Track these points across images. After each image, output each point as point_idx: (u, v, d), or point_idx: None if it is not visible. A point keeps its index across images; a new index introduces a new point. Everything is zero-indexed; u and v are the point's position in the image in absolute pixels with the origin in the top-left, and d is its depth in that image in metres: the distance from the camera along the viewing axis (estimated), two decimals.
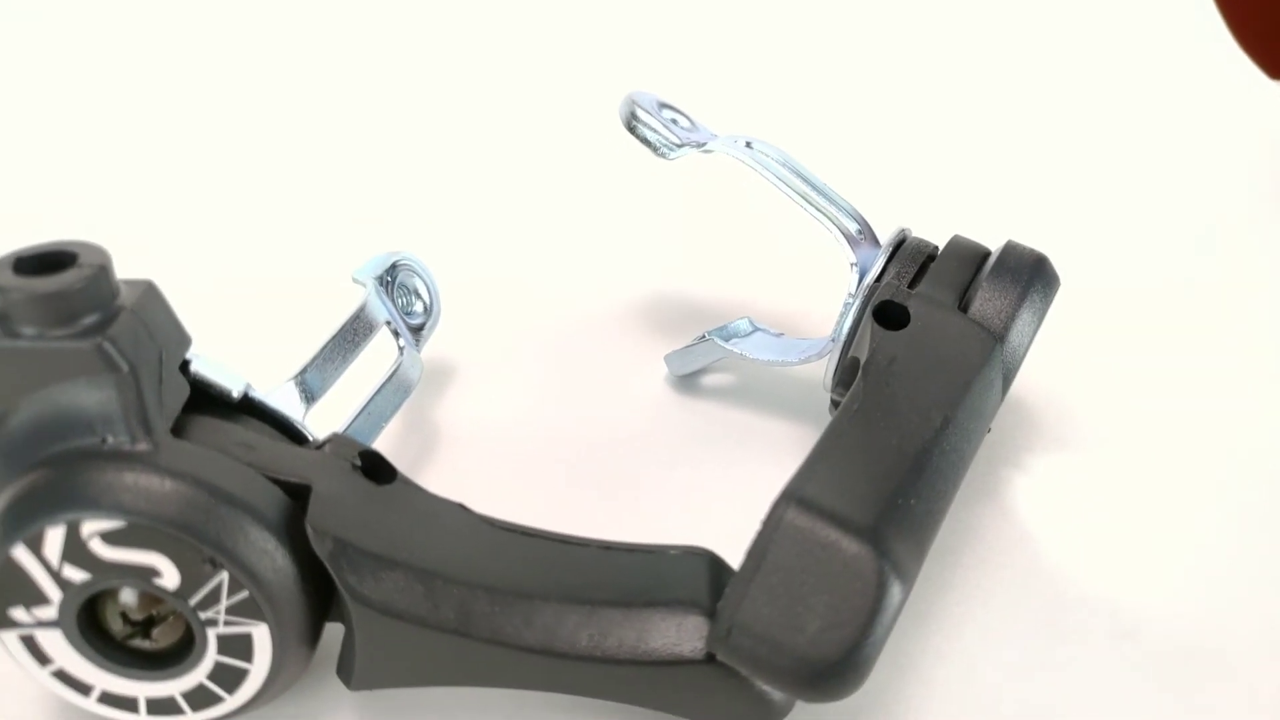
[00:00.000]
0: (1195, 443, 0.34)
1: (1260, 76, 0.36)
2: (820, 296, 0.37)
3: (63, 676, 0.24)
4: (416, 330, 0.34)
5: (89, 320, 0.22)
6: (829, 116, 0.50)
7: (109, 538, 0.22)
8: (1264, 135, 0.48)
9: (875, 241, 0.33)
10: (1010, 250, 0.31)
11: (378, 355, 0.32)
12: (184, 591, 0.23)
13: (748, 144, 0.34)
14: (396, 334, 0.32)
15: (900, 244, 0.32)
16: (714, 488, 0.33)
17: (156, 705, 0.25)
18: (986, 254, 0.32)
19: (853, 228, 0.33)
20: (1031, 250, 0.31)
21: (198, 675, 0.24)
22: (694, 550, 0.26)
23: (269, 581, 0.23)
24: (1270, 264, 0.41)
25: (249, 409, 0.26)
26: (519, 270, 0.41)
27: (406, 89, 0.52)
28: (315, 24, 0.56)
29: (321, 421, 0.28)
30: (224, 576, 0.23)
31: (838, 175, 0.35)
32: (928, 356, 0.28)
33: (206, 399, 0.25)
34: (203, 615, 0.23)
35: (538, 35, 0.56)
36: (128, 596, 0.24)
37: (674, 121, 0.34)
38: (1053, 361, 0.34)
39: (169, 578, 0.23)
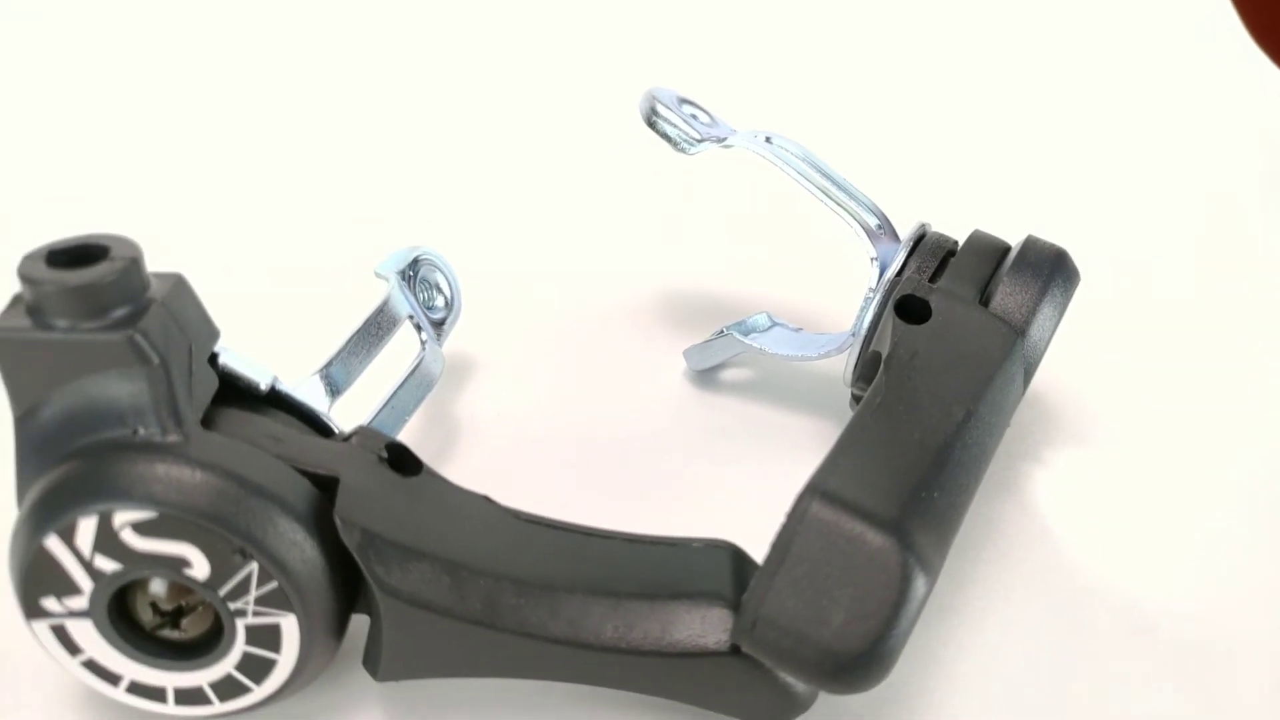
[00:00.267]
0: (1213, 439, 0.34)
1: None
2: (837, 293, 0.37)
3: (92, 666, 0.24)
4: (438, 325, 0.34)
5: (120, 313, 0.23)
6: (845, 113, 0.50)
7: (140, 528, 0.23)
8: None
9: (895, 236, 0.33)
10: (1031, 245, 0.31)
11: (399, 350, 0.32)
12: (214, 582, 0.23)
13: (767, 139, 0.34)
14: (419, 328, 0.32)
15: (920, 239, 0.32)
16: (733, 482, 0.33)
17: (184, 695, 0.25)
18: (1006, 249, 0.32)
19: (873, 222, 0.33)
20: (1052, 245, 0.31)
21: (226, 665, 0.24)
22: (717, 543, 0.26)
23: (298, 572, 0.23)
24: None
25: (276, 401, 0.26)
26: (539, 265, 0.41)
27: (429, 86, 0.52)
28: (343, 24, 0.56)
29: (345, 415, 0.29)
30: (253, 567, 0.23)
31: (855, 171, 0.35)
32: (949, 351, 0.28)
33: (234, 391, 0.26)
34: (232, 606, 0.23)
35: (558, 32, 0.56)
36: (157, 587, 0.24)
37: (694, 117, 0.35)
38: (1071, 357, 0.34)
39: (199, 568, 0.23)
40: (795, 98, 0.51)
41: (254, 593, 0.23)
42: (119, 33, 0.55)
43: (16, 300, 0.23)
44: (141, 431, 0.23)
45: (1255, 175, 0.46)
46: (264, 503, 0.23)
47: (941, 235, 0.33)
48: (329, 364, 0.29)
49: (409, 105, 0.51)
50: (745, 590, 0.24)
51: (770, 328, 0.35)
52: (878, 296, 0.31)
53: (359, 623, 0.26)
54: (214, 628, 0.24)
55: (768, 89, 0.51)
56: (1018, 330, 0.29)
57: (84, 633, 0.24)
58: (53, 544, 0.23)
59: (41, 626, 0.24)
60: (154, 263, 0.24)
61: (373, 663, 0.25)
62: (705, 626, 0.24)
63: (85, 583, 0.23)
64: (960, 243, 0.33)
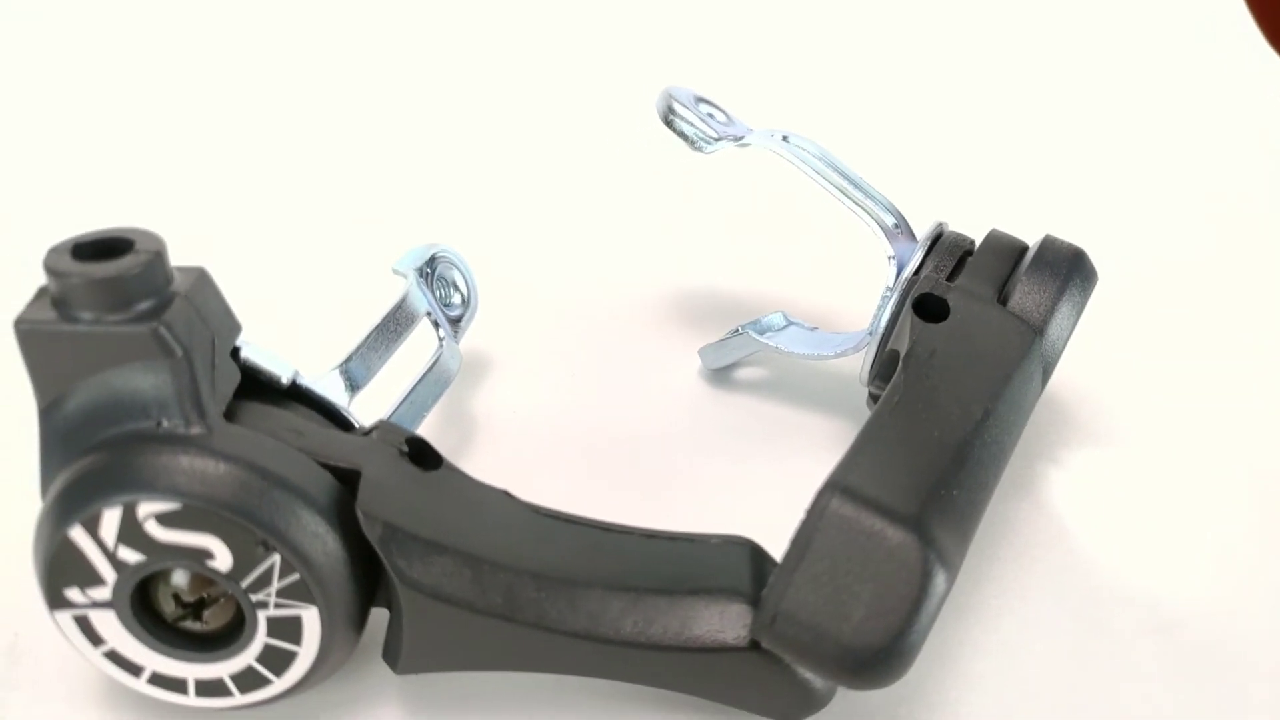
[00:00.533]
0: (1229, 439, 0.34)
1: None
2: (851, 293, 0.37)
3: (115, 657, 0.25)
4: (454, 322, 0.35)
5: (144, 305, 0.23)
6: (859, 114, 0.50)
7: (164, 519, 0.23)
8: None
9: (912, 236, 0.33)
10: (1049, 244, 0.31)
11: (414, 347, 0.32)
12: (236, 574, 0.23)
13: (784, 138, 0.34)
14: (436, 325, 0.33)
15: (938, 238, 0.32)
16: (748, 480, 0.33)
17: (205, 687, 0.25)
18: (1024, 248, 0.32)
19: (890, 221, 0.33)
20: (1070, 245, 0.31)
21: (247, 657, 0.24)
22: (735, 539, 0.26)
23: (320, 565, 0.23)
24: None
25: (297, 396, 0.26)
26: (554, 264, 0.41)
27: (448, 88, 0.52)
28: (368, 27, 0.56)
29: (363, 411, 0.29)
30: (276, 559, 0.23)
31: (868, 171, 0.35)
32: (968, 349, 0.28)
33: (256, 385, 0.26)
34: (254, 598, 0.23)
35: (575, 31, 0.56)
36: (180, 578, 0.24)
37: (710, 116, 0.35)
38: (1086, 357, 0.34)
39: (222, 560, 0.23)
40: (808, 98, 0.51)
41: (276, 585, 0.23)
42: (148, 32, 0.55)
43: (42, 293, 0.23)
44: (165, 423, 0.23)
45: (1272, 175, 0.46)
46: (287, 495, 0.23)
47: (959, 234, 0.33)
48: (348, 360, 0.30)
49: (427, 106, 0.51)
50: (764, 586, 0.24)
51: (785, 327, 0.35)
52: (895, 295, 0.31)
53: (377, 617, 0.26)
54: (235, 620, 0.24)
55: (781, 90, 0.51)
56: (1036, 329, 0.29)
57: (107, 623, 0.24)
58: (77, 535, 0.23)
59: (65, 617, 0.24)
60: (174, 258, 0.24)
61: (392, 656, 0.25)
62: (724, 622, 0.24)
63: (109, 573, 0.23)
64: (977, 242, 0.33)
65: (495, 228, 0.43)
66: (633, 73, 0.51)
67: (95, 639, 0.24)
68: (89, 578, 0.23)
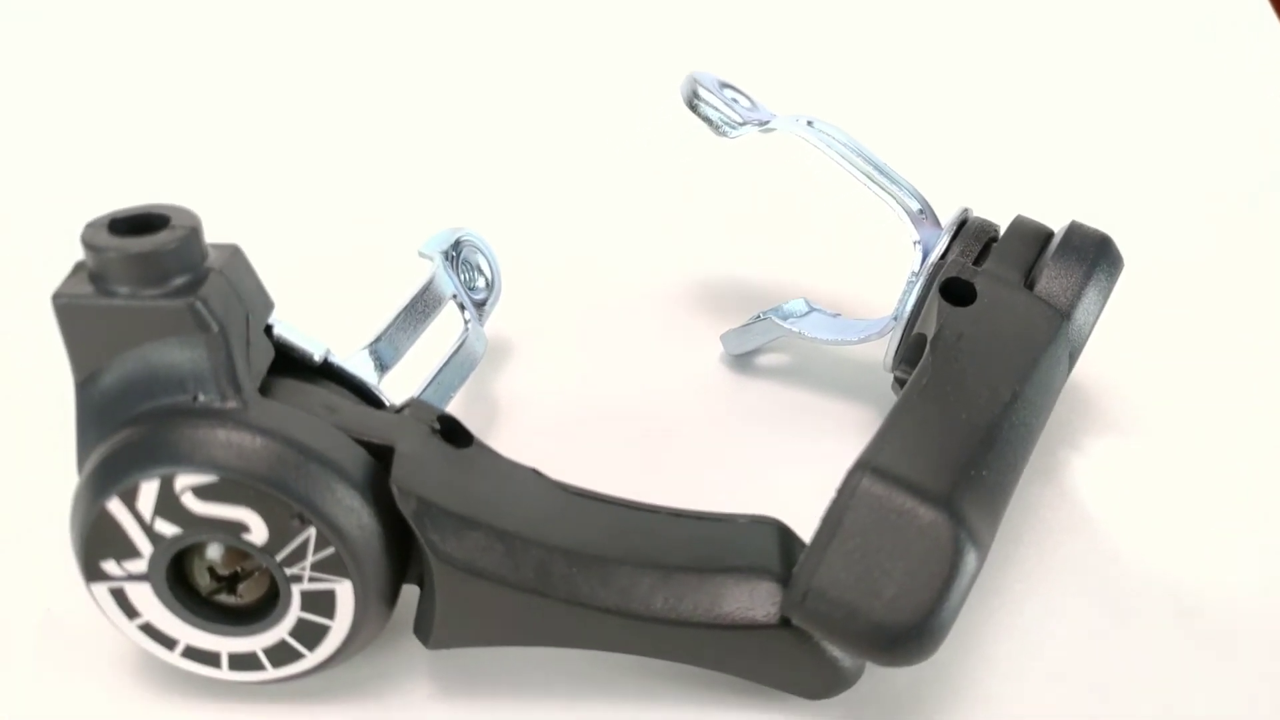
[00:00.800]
0: (1251, 427, 0.34)
1: None
2: (870, 282, 0.37)
3: (149, 630, 0.25)
4: (478, 306, 0.35)
5: (180, 280, 0.23)
6: (876, 104, 0.50)
7: (201, 492, 0.23)
8: None
9: (936, 221, 0.33)
10: (1075, 230, 0.31)
11: (438, 330, 0.32)
12: (271, 547, 0.23)
13: (809, 123, 0.34)
14: (462, 307, 0.33)
15: (963, 223, 0.32)
16: (769, 465, 0.33)
17: (238, 660, 0.25)
18: (1050, 234, 0.32)
19: (914, 206, 0.33)
20: (1096, 230, 0.31)
21: (280, 631, 0.25)
22: (762, 519, 0.26)
23: (354, 538, 0.23)
24: None
25: (329, 374, 0.27)
26: (576, 249, 0.42)
27: (473, 73, 0.52)
28: (389, 14, 0.57)
29: (390, 392, 0.29)
30: (311, 532, 0.23)
31: (888, 160, 0.35)
32: (995, 332, 0.28)
33: (288, 363, 0.26)
34: (288, 571, 0.24)
35: (598, 14, 0.56)
36: (214, 552, 0.24)
37: (734, 101, 0.35)
38: (1108, 345, 0.34)
39: (257, 533, 0.23)
40: (828, 86, 0.51)
41: (310, 558, 0.23)
42: (185, 16, 0.55)
43: (79, 268, 0.24)
44: (201, 398, 0.23)
45: None
46: (322, 469, 0.23)
47: (984, 220, 0.33)
48: (377, 340, 0.30)
49: (451, 91, 0.51)
50: (791, 565, 0.25)
51: (808, 313, 0.35)
52: (921, 280, 0.31)
53: (406, 594, 0.26)
54: (269, 593, 0.24)
55: (801, 78, 0.51)
56: (1063, 313, 0.29)
57: (142, 596, 0.24)
58: (114, 507, 0.23)
59: (101, 589, 0.24)
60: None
61: (424, 631, 0.25)
62: (754, 599, 0.24)
63: (145, 546, 0.24)
64: (1001, 229, 0.33)
65: (518, 213, 0.43)
66: (656, 59, 0.51)
67: (130, 612, 0.24)
68: (125, 550, 0.24)
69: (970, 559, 0.23)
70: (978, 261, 0.31)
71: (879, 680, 0.27)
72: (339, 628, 0.24)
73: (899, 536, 0.23)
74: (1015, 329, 0.29)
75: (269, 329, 0.26)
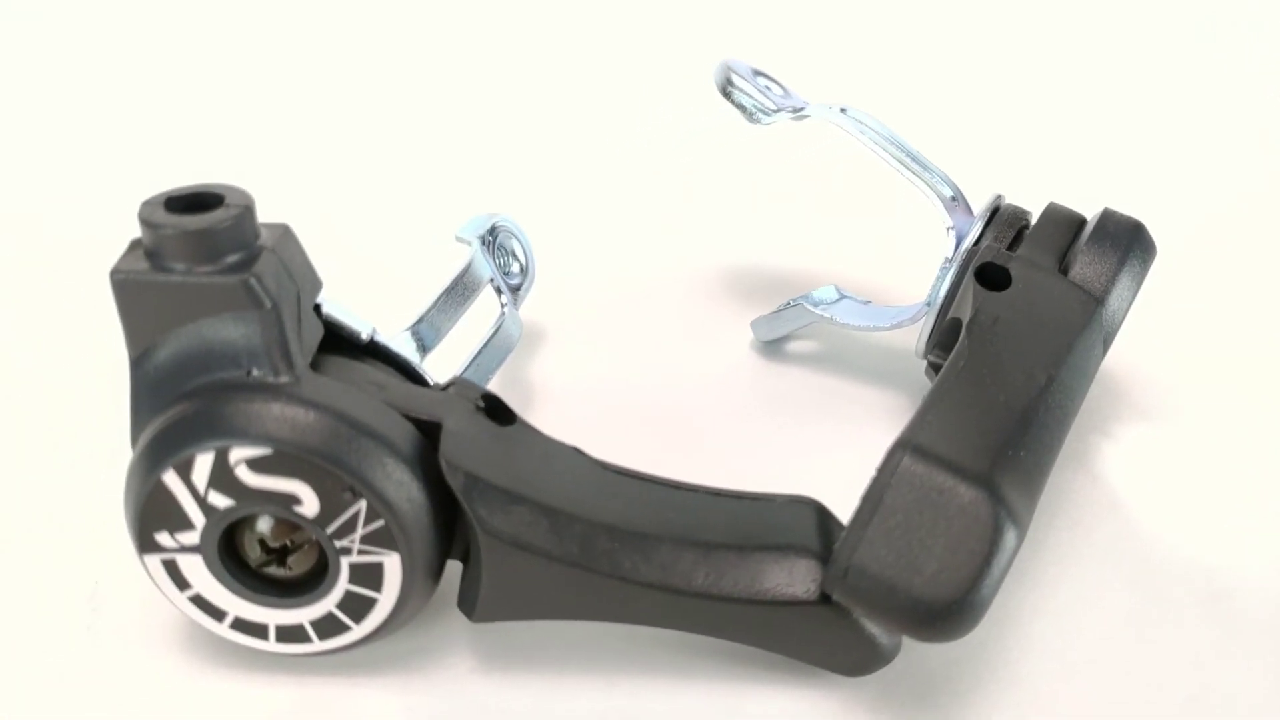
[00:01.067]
0: None
1: None
2: (900, 271, 0.37)
3: (199, 602, 0.25)
4: (514, 291, 0.35)
5: (234, 258, 0.23)
6: (907, 92, 0.50)
7: (255, 465, 0.23)
8: None
9: (968, 209, 0.34)
10: (1109, 216, 0.31)
11: (474, 315, 0.33)
12: (322, 519, 0.24)
13: (842, 110, 0.35)
14: (499, 291, 0.33)
15: (996, 210, 0.33)
16: (801, 449, 0.34)
17: (285, 633, 0.26)
18: (1082, 221, 0.32)
19: (947, 193, 0.34)
20: (1129, 217, 0.32)
21: (328, 604, 0.25)
22: (800, 499, 0.27)
23: (404, 512, 0.24)
24: None
25: (375, 352, 0.27)
26: (607, 236, 0.42)
27: (510, 63, 0.53)
28: (436, 10, 0.57)
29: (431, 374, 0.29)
30: (362, 505, 0.24)
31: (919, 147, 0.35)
32: (1030, 317, 0.29)
33: (336, 341, 0.26)
34: (338, 544, 0.24)
35: (626, 4, 0.57)
36: (264, 525, 0.25)
37: (767, 88, 0.35)
38: (1139, 333, 0.35)
39: (309, 506, 0.24)
40: (856, 75, 0.51)
41: (360, 531, 0.24)
42: (241, 7, 0.56)
43: (135, 245, 0.24)
44: (255, 372, 0.24)
45: None
46: (373, 443, 0.24)
47: (1016, 207, 0.33)
48: (418, 321, 0.30)
49: (488, 81, 0.51)
50: (829, 544, 0.25)
51: (839, 300, 0.36)
52: (954, 266, 0.32)
53: (447, 570, 0.26)
54: (318, 566, 0.25)
55: (831, 67, 0.52)
56: (1097, 299, 0.30)
57: (194, 568, 0.25)
58: (170, 479, 0.24)
59: (154, 560, 0.25)
60: None
61: (469, 605, 0.26)
62: (793, 576, 0.25)
63: (198, 518, 0.24)
64: (1032, 216, 0.33)
65: (551, 201, 0.43)
66: (689, 47, 0.51)
67: (182, 583, 0.25)
68: (179, 522, 0.24)
69: (1010, 537, 0.24)
70: (1011, 248, 0.31)
71: (913, 659, 0.27)
72: (386, 600, 0.25)
73: (939, 514, 0.24)
74: (1050, 313, 0.29)
75: (318, 308, 0.26)
